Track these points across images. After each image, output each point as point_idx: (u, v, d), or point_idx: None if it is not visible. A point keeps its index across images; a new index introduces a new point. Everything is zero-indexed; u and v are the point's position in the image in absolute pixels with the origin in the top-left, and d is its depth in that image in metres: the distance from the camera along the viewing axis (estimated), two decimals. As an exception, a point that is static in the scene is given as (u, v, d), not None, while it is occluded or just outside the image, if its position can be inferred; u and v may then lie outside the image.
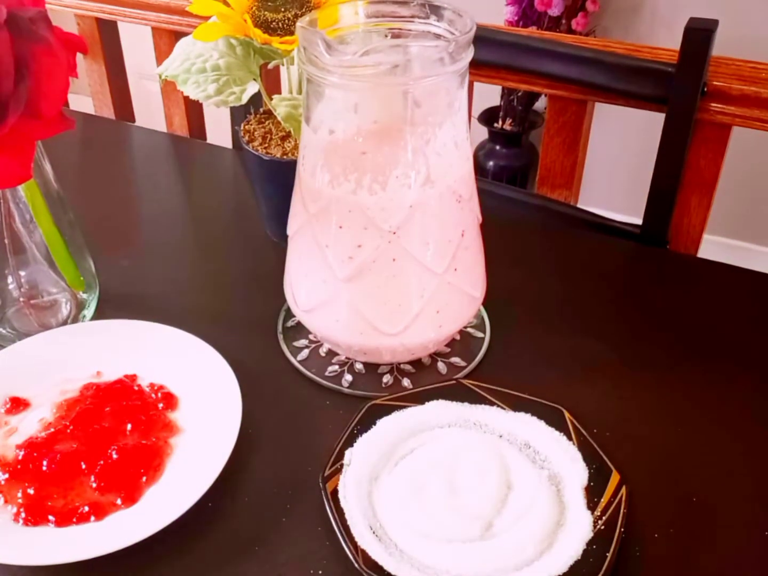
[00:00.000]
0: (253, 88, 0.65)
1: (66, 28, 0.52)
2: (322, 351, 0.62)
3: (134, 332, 0.60)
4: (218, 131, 1.07)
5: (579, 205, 0.85)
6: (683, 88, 0.70)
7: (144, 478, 0.50)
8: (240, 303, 0.68)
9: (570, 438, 0.52)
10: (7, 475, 0.51)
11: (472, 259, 0.57)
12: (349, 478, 0.49)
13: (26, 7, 0.48)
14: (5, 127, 0.47)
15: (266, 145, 0.69)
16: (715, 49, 0.69)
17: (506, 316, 0.65)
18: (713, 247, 1.04)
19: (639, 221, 0.79)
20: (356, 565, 0.44)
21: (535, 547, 0.46)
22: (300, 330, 0.64)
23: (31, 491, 0.50)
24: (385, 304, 0.55)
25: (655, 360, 0.62)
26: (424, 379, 0.59)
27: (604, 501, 0.48)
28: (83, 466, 0.50)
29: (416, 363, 0.61)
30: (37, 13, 0.48)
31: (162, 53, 0.98)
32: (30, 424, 0.54)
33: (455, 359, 0.62)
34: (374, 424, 0.53)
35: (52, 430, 0.53)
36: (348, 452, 0.51)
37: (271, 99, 0.64)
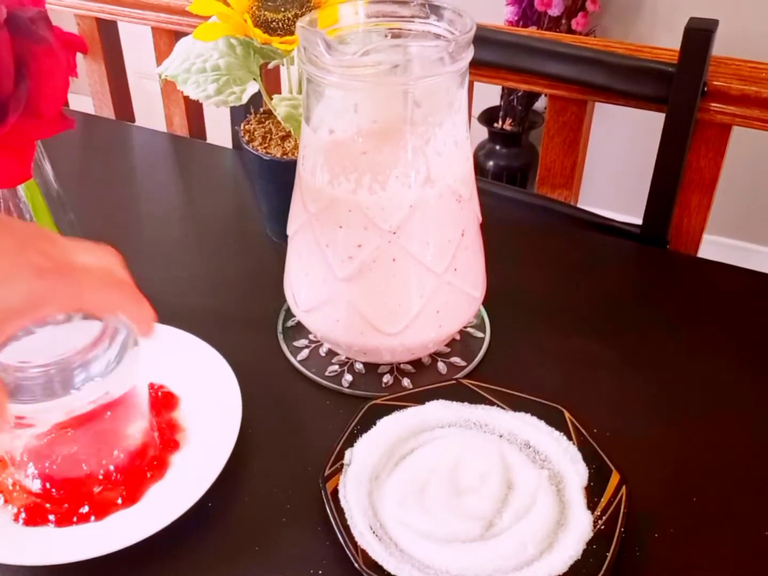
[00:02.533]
0: (253, 88, 0.65)
1: (66, 28, 0.52)
2: (322, 351, 0.62)
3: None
4: (218, 131, 1.07)
5: (579, 205, 0.85)
6: (683, 88, 0.70)
7: (144, 478, 0.50)
8: (240, 303, 0.68)
9: (570, 438, 0.51)
10: (7, 476, 0.51)
11: (472, 259, 0.57)
12: (349, 478, 0.49)
13: (26, 7, 0.48)
14: (5, 127, 0.47)
15: (266, 145, 0.69)
16: (715, 49, 0.69)
17: (506, 316, 0.65)
18: (713, 247, 1.04)
19: (639, 221, 0.79)
20: (356, 565, 0.44)
21: (535, 547, 0.46)
22: (300, 330, 0.64)
23: (31, 492, 0.49)
24: (385, 304, 0.55)
25: (655, 360, 0.62)
26: (424, 379, 0.59)
27: (604, 501, 0.48)
28: (84, 467, 0.50)
29: (416, 363, 0.61)
30: (37, 13, 0.48)
31: (162, 53, 0.98)
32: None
33: (455, 359, 0.62)
34: (374, 424, 0.53)
35: (53, 435, 0.52)
36: (348, 452, 0.51)
37: (271, 99, 0.64)
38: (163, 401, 0.56)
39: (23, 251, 0.37)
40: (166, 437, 0.53)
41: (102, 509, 0.49)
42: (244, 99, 0.65)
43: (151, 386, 0.57)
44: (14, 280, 0.36)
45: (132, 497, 0.49)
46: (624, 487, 0.48)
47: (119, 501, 0.49)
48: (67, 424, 0.53)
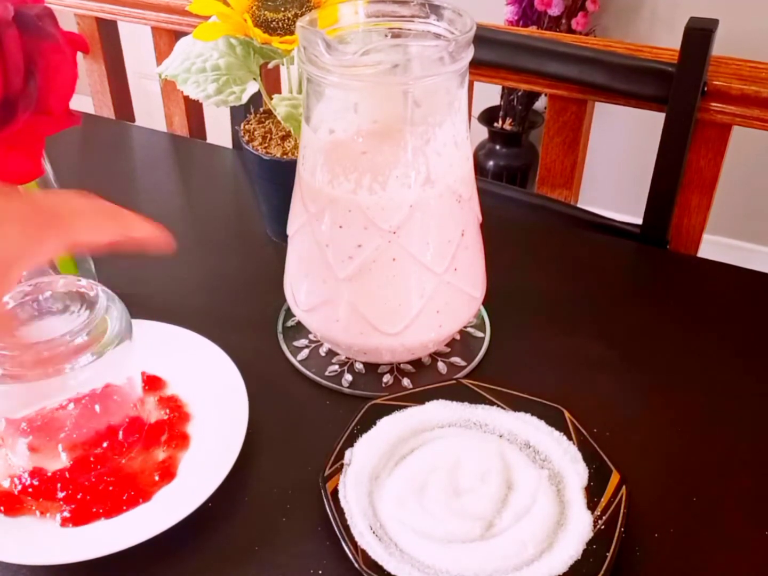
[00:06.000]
0: (253, 87, 0.65)
1: (66, 27, 0.51)
2: (322, 351, 0.62)
3: (136, 332, 0.60)
4: (218, 131, 1.07)
5: (579, 205, 0.85)
6: (683, 88, 0.70)
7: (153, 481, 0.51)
8: (240, 303, 0.68)
9: (570, 438, 0.51)
10: (7, 480, 0.51)
11: (472, 259, 0.57)
12: (349, 478, 0.49)
13: (30, 5, 0.49)
14: (17, 125, 0.47)
15: (266, 144, 0.69)
16: (715, 49, 0.69)
17: (506, 316, 0.65)
18: (713, 247, 1.04)
19: (639, 221, 0.79)
20: (356, 565, 0.44)
21: (535, 547, 0.46)
22: (300, 330, 0.63)
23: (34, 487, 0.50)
24: (385, 304, 0.55)
25: (655, 360, 0.62)
26: (424, 379, 0.59)
27: (604, 501, 0.48)
28: (90, 464, 0.50)
29: (416, 363, 0.61)
30: (42, 9, 0.48)
31: (162, 53, 0.98)
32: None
33: (455, 359, 0.61)
34: (374, 424, 0.53)
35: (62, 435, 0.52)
36: (348, 452, 0.51)
37: (271, 99, 0.64)
38: (168, 400, 0.56)
39: (4, 197, 0.38)
40: (175, 437, 0.53)
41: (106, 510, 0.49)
42: (244, 99, 0.65)
43: (155, 385, 0.56)
44: (2, 222, 0.37)
45: (134, 499, 0.49)
46: (624, 487, 0.48)
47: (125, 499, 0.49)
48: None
